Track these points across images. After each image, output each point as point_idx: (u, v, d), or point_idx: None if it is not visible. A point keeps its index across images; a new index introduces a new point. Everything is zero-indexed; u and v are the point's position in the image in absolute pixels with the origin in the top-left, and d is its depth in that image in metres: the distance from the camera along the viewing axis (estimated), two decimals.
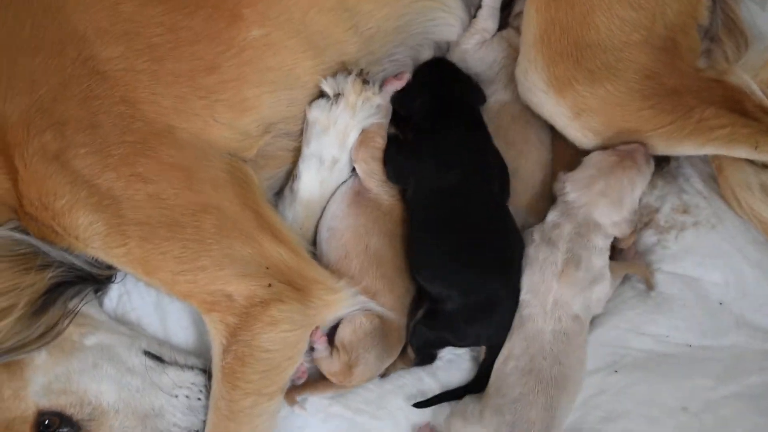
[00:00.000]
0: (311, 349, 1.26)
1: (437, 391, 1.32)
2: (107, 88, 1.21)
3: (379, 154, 1.32)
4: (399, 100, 1.35)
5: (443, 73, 1.38)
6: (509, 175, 1.32)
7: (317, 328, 1.25)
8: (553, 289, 1.25)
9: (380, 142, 1.32)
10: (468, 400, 1.27)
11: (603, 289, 1.28)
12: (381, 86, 1.34)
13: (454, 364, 1.34)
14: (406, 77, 1.35)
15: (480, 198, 1.29)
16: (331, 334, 1.29)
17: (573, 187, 1.28)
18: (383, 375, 1.33)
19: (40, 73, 1.20)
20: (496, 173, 1.31)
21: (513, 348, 1.25)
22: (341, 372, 1.25)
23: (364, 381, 1.29)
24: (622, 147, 1.29)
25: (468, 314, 1.25)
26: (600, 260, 1.27)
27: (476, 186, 1.29)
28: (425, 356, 1.32)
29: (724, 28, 1.41)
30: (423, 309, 1.30)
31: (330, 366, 1.26)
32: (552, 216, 1.29)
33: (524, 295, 1.27)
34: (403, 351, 1.32)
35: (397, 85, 1.34)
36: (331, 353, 1.26)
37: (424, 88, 1.35)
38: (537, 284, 1.26)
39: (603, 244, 1.27)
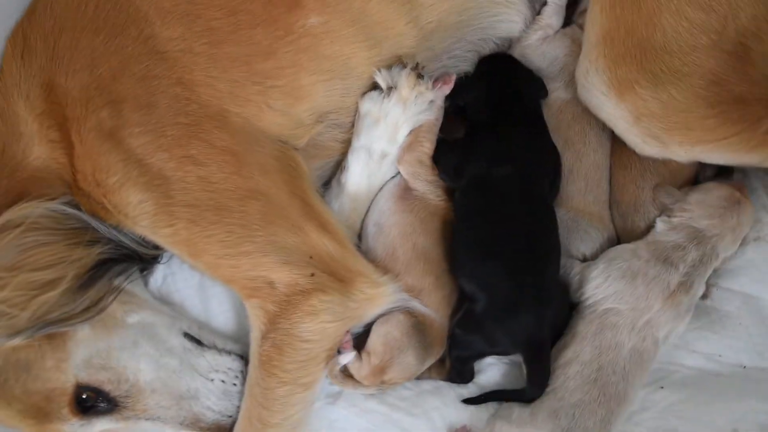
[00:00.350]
0: (337, 352, 1.23)
1: (476, 394, 1.29)
2: (165, 69, 1.22)
3: (426, 158, 1.30)
4: (455, 91, 1.32)
5: (502, 66, 1.36)
6: (561, 174, 1.29)
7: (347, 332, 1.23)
8: (653, 309, 1.22)
9: (428, 146, 1.30)
10: (514, 403, 1.23)
11: (687, 320, 1.25)
12: (434, 83, 1.32)
13: (495, 368, 1.31)
14: (454, 79, 1.32)
15: (526, 195, 1.25)
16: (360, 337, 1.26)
17: (703, 215, 1.26)
18: (419, 377, 1.30)
19: (101, 51, 1.21)
20: (549, 170, 1.28)
21: (581, 353, 1.21)
22: (372, 375, 1.23)
23: (402, 380, 1.26)
24: (733, 182, 1.30)
25: (494, 314, 1.21)
26: (701, 290, 1.25)
27: (525, 182, 1.26)
28: (462, 371, 1.28)
29: None
30: (461, 311, 1.27)
31: (359, 370, 1.23)
32: (674, 236, 1.26)
33: (615, 304, 1.23)
34: (442, 360, 1.30)
35: (446, 89, 1.31)
36: (360, 356, 1.23)
37: (481, 80, 1.33)
38: (638, 299, 1.22)
39: (716, 263, 1.26)
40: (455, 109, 1.33)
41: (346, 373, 1.25)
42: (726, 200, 1.27)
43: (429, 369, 1.30)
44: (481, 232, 1.25)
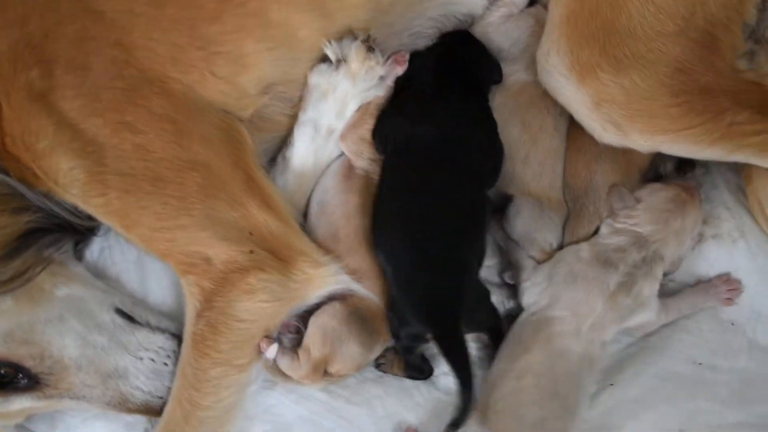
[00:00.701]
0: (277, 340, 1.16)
1: (422, 387, 1.24)
2: (102, 29, 1.15)
3: (368, 135, 1.24)
4: (412, 57, 1.26)
5: (459, 42, 1.30)
6: (503, 161, 1.24)
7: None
8: (596, 312, 1.17)
9: (372, 123, 1.24)
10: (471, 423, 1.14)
11: (646, 316, 1.22)
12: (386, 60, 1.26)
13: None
14: (407, 58, 1.26)
15: (451, 165, 1.19)
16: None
17: (647, 220, 1.22)
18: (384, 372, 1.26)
19: (33, 6, 1.15)
20: (483, 153, 1.22)
21: (532, 363, 1.16)
22: (312, 373, 1.16)
23: (351, 371, 1.20)
24: (681, 182, 1.27)
25: (398, 286, 1.15)
26: (649, 289, 1.21)
27: (452, 152, 1.19)
28: (412, 361, 1.22)
29: None
30: None
31: (296, 370, 1.16)
32: (616, 240, 1.22)
33: (558, 312, 1.18)
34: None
35: (398, 69, 1.25)
36: (295, 356, 1.16)
37: (432, 51, 1.28)
38: (579, 303, 1.18)
39: (660, 275, 1.22)
40: (403, 79, 1.27)
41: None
42: (672, 202, 1.23)
43: (392, 366, 1.25)
44: (397, 201, 1.19)
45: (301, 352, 1.16)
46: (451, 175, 1.19)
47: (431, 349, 1.25)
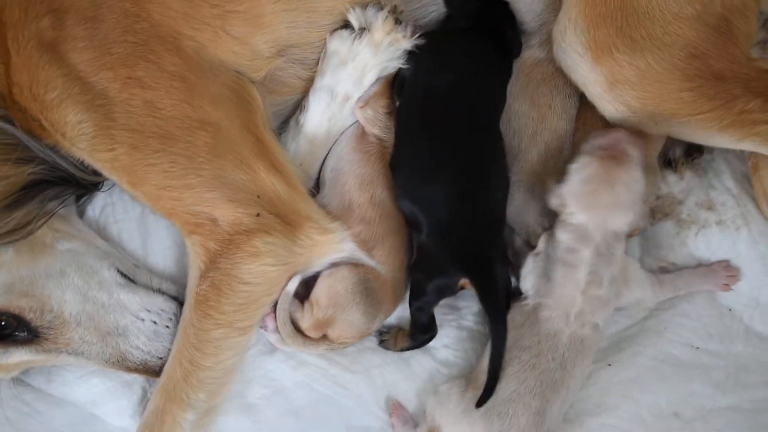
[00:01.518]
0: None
1: (420, 357, 1.24)
2: None
3: (387, 106, 1.24)
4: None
5: (498, 6, 1.30)
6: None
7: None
8: (577, 303, 1.16)
9: (388, 103, 1.24)
10: (453, 387, 1.17)
11: (637, 293, 1.20)
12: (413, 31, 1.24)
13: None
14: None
15: (471, 112, 1.19)
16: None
17: (578, 207, 1.16)
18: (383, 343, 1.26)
19: None
20: (496, 107, 1.23)
21: (520, 339, 1.16)
22: (315, 327, 1.17)
23: (352, 339, 1.20)
24: (601, 139, 1.17)
25: (435, 235, 1.15)
26: (615, 268, 1.16)
27: (470, 98, 1.19)
28: (421, 321, 1.20)
29: None
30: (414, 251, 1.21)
31: (303, 319, 1.18)
32: (565, 239, 1.16)
33: (543, 299, 1.17)
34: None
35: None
36: (303, 306, 1.17)
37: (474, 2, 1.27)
38: (560, 297, 1.16)
39: (622, 246, 1.18)
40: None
41: (296, 328, 1.19)
42: (592, 180, 1.15)
43: (395, 339, 1.25)
44: (422, 150, 1.18)
45: (307, 304, 1.17)
46: (474, 122, 1.19)
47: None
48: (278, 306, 1.17)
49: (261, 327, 1.20)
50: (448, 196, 1.16)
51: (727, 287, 1.26)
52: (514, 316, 1.19)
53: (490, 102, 1.23)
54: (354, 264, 1.18)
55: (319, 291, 1.17)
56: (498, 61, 1.25)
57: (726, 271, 1.26)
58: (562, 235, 1.17)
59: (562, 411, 1.17)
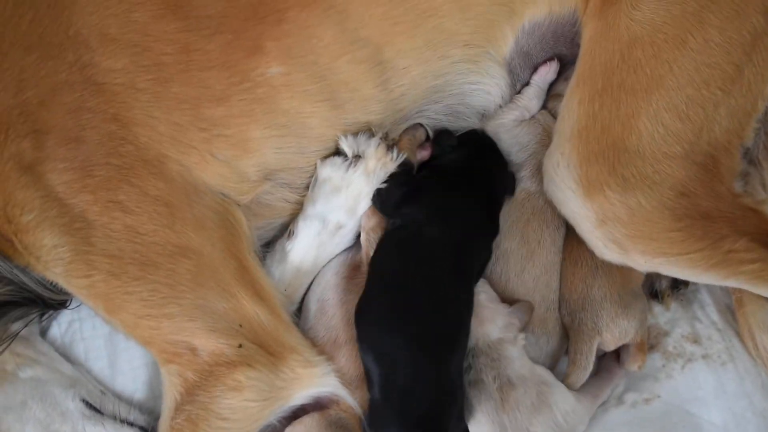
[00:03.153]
0: None
1: None
2: (101, 102, 1.09)
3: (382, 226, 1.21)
4: (442, 134, 1.26)
5: (487, 146, 1.29)
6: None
7: None
8: (515, 422, 1.12)
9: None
10: None
11: (564, 400, 1.16)
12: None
13: None
14: (428, 149, 1.25)
15: (453, 267, 1.16)
16: None
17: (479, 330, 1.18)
18: None
19: (31, 72, 1.08)
20: (483, 254, 1.22)
21: None
22: None
23: None
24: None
25: (387, 392, 1.08)
26: (521, 365, 1.16)
27: (457, 253, 1.16)
28: None
29: (765, 151, 1.32)
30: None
31: None
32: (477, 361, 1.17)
33: None
34: None
35: (425, 154, 1.24)
36: None
37: (466, 146, 1.26)
38: (505, 427, 1.12)
39: (515, 349, 1.17)
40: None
41: None
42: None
43: None
44: (393, 297, 1.13)
45: None
46: (455, 278, 1.16)
47: None
48: None
49: None
50: (410, 354, 1.10)
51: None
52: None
53: (475, 262, 1.20)
54: (325, 404, 1.13)
55: None
56: (487, 221, 1.23)
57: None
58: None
59: None
